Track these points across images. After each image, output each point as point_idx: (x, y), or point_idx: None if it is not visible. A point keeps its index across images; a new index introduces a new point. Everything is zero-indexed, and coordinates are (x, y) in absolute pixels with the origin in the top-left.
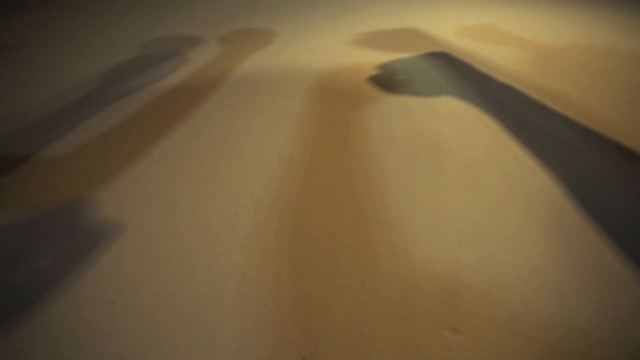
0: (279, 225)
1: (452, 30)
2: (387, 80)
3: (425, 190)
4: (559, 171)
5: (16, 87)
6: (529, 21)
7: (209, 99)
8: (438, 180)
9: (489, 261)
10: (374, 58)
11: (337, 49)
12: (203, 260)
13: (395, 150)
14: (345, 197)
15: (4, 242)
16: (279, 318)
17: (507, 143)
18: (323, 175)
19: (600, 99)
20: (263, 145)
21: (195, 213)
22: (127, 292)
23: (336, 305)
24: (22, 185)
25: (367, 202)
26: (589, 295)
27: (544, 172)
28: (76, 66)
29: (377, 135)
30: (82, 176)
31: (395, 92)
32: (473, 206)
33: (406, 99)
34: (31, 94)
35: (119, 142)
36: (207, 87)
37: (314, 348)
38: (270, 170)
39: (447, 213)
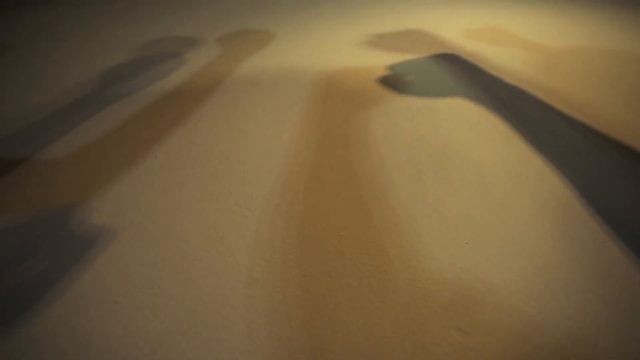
0: (284, 225)
1: (458, 32)
2: (395, 82)
3: (431, 191)
4: (565, 172)
5: (15, 87)
6: (533, 23)
7: (212, 99)
8: (444, 181)
9: (496, 262)
10: (380, 59)
11: (341, 49)
12: (208, 262)
13: (401, 151)
14: (351, 198)
15: (5, 244)
16: (285, 319)
17: (514, 144)
18: (328, 176)
19: (606, 100)
20: (267, 146)
21: (200, 214)
22: (132, 293)
23: (343, 307)
24: (23, 187)
25: (373, 202)
26: (596, 295)
27: (550, 173)
28: (76, 66)
29: (382, 136)
30: (85, 177)
31: (402, 93)
32: (479, 207)
33: (414, 100)
34: (30, 95)
35: (121, 142)
36: (209, 87)
37: (321, 349)
38: (275, 170)
39: (453, 214)
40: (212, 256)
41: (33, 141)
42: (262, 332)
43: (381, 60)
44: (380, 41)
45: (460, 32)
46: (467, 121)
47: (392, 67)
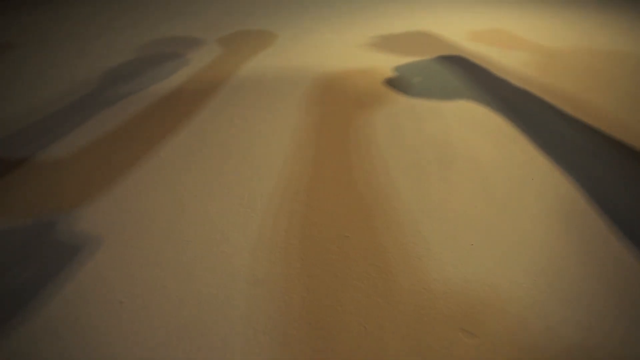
0: (288, 226)
1: (461, 34)
2: (399, 83)
3: (435, 191)
4: (569, 172)
5: (16, 87)
6: (534, 24)
7: (215, 99)
8: (448, 182)
9: (502, 263)
10: (384, 60)
11: (345, 50)
12: (213, 262)
13: (406, 151)
14: (355, 198)
15: (6, 244)
16: (291, 320)
17: (518, 144)
18: (331, 176)
19: (605, 100)
20: (271, 146)
21: (204, 214)
22: (136, 293)
23: (349, 308)
24: (25, 187)
25: (377, 203)
26: (602, 297)
27: (555, 174)
28: (78, 66)
29: (386, 137)
30: (87, 177)
31: (407, 94)
32: (484, 208)
33: (419, 100)
34: (32, 95)
35: (124, 142)
36: (212, 87)
37: (327, 351)
38: (279, 170)
39: (457, 215)
40: (217, 257)
41: (35, 141)
42: (267, 333)
43: (385, 62)
44: (384, 42)
45: (463, 33)
46: (471, 122)
47: (396, 69)
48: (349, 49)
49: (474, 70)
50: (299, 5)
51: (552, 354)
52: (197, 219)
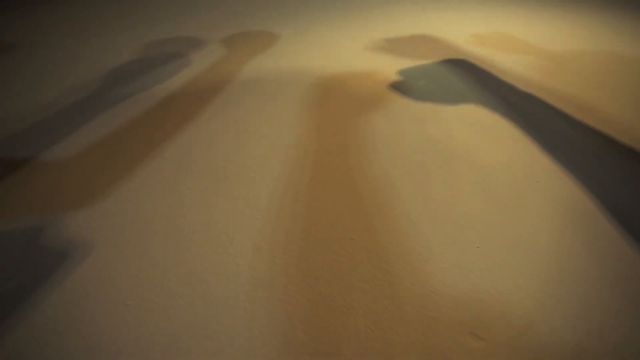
0: (294, 228)
1: (464, 37)
2: (403, 85)
3: (441, 194)
4: (574, 174)
5: (17, 87)
6: (536, 27)
7: (217, 100)
8: (453, 184)
9: (507, 266)
10: (387, 63)
11: (348, 52)
12: (219, 264)
13: (410, 153)
14: (360, 200)
15: (10, 246)
16: (299, 323)
17: (522, 147)
18: (335, 178)
19: (611, 102)
20: (274, 147)
21: (210, 215)
22: (142, 295)
23: (357, 310)
24: (27, 188)
25: (383, 205)
26: (606, 298)
27: (559, 176)
28: (79, 67)
29: (390, 139)
30: (90, 178)
31: (411, 96)
32: (489, 210)
33: (422, 103)
34: (33, 95)
35: (127, 143)
36: (214, 88)
37: (335, 354)
38: (282, 172)
39: (462, 217)
40: (223, 258)
41: (36, 142)
42: (275, 336)
43: (388, 64)
44: (387, 44)
45: (466, 36)
46: (475, 124)
47: (400, 72)
48: (352, 51)
49: (478, 74)
50: (300, 6)
51: (559, 358)
52: (201, 220)
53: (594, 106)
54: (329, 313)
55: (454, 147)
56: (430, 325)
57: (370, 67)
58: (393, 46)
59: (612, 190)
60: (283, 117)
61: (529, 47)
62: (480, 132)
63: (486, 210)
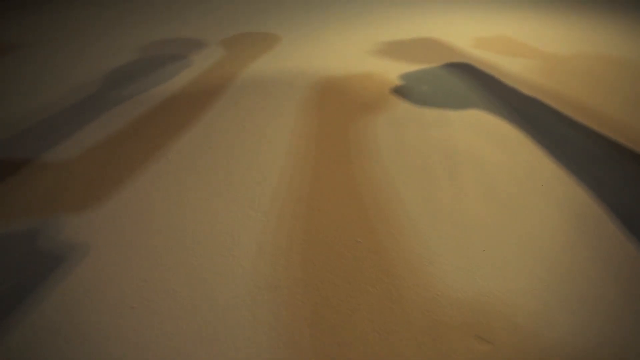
0: (299, 230)
1: (466, 40)
2: (407, 90)
3: (446, 197)
4: (578, 177)
5: (17, 88)
6: (539, 30)
7: (219, 101)
8: (458, 188)
9: (513, 269)
10: (390, 66)
11: (351, 55)
12: (224, 266)
13: (414, 156)
14: (365, 203)
15: (11, 247)
16: (306, 326)
17: (526, 150)
18: (340, 181)
19: (612, 105)
20: (278, 150)
21: (213, 217)
22: (148, 298)
23: (363, 314)
24: (30, 189)
25: (387, 208)
26: (612, 301)
27: (564, 179)
28: (79, 67)
29: (393, 141)
30: (95, 179)
31: (414, 100)
32: (493, 213)
33: (426, 107)
34: (34, 95)
35: (130, 144)
36: (215, 89)
37: (342, 357)
38: (287, 174)
39: (468, 220)
40: (228, 261)
41: (37, 142)
42: (281, 339)
43: (390, 67)
44: (389, 47)
45: (468, 40)
46: (478, 128)
47: (403, 76)
48: (353, 53)
49: (480, 77)
50: (302, 8)
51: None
52: (205, 222)
53: (595, 108)
54: (334, 316)
55: (457, 149)
56: (435, 329)
57: (372, 70)
58: (394, 49)
59: (614, 192)
60: (285, 118)
61: (530, 50)
62: (483, 135)
63: (490, 213)
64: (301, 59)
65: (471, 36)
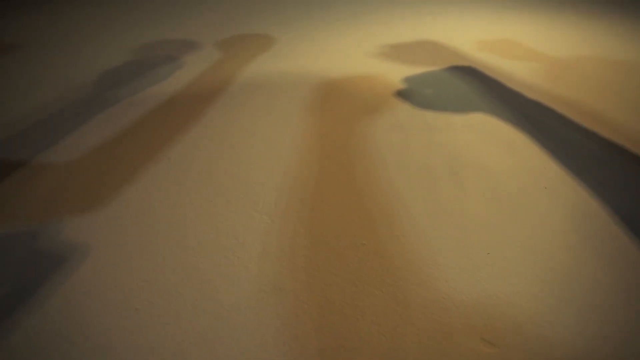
0: (304, 233)
1: (469, 43)
2: (410, 93)
3: (449, 199)
4: (581, 180)
5: (16, 89)
6: (543, 33)
7: (219, 102)
8: (461, 190)
9: (518, 272)
10: (392, 68)
11: (352, 57)
12: (229, 268)
13: (417, 159)
14: (369, 206)
15: (12, 248)
16: (310, 329)
17: (530, 153)
18: (344, 184)
19: (617, 109)
20: (280, 151)
21: (218, 219)
22: (152, 300)
23: (369, 317)
24: (32, 190)
25: (390, 210)
26: (617, 304)
27: (568, 182)
28: (78, 68)
29: (397, 144)
30: (95, 180)
31: (418, 103)
32: (497, 216)
33: (430, 110)
34: (33, 96)
35: (132, 145)
36: (215, 90)
37: (348, 358)
38: (289, 176)
39: (472, 223)
40: (233, 263)
41: (38, 143)
42: (287, 342)
43: (393, 70)
44: (391, 50)
45: (472, 42)
46: (483, 130)
47: (406, 79)
48: (356, 55)
49: (484, 81)
50: (302, 9)
51: None
52: (210, 224)
53: (599, 112)
54: (340, 319)
55: (461, 152)
56: (441, 331)
57: (375, 72)
58: (397, 51)
59: (618, 195)
60: (287, 119)
61: (533, 53)
62: (487, 138)
63: (494, 215)
64: (303, 59)
65: (475, 39)
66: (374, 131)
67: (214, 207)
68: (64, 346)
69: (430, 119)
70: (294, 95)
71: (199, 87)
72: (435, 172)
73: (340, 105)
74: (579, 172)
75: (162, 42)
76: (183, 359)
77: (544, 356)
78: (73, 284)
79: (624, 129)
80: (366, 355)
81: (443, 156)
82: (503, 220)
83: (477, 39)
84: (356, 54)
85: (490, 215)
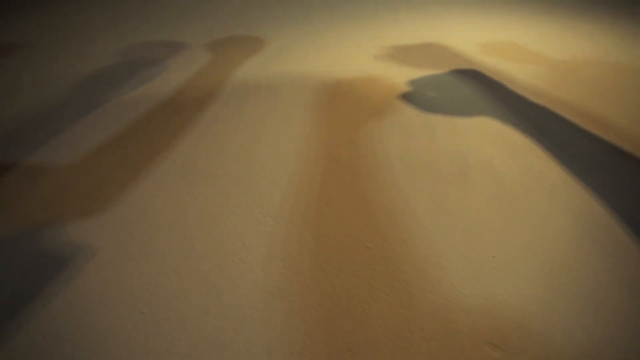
0: (309, 236)
1: (473, 46)
2: (414, 95)
3: (454, 202)
4: (585, 184)
5: (14, 89)
6: (546, 36)
7: (224, 103)
8: (466, 193)
9: (523, 276)
10: (396, 71)
11: (356, 59)
12: (235, 272)
13: (423, 162)
14: (374, 209)
15: (17, 252)
16: (318, 332)
17: (535, 157)
18: (348, 186)
19: (620, 113)
20: (285, 154)
21: (224, 222)
22: (157, 303)
23: (376, 320)
24: (37, 192)
25: (397, 214)
26: (623, 309)
27: (572, 186)
28: (80, 68)
29: (401, 147)
30: (98, 183)
31: (422, 106)
32: (502, 219)
33: (434, 113)
34: (32, 96)
35: (135, 146)
36: (217, 92)
37: None
38: (294, 179)
39: (478, 227)
40: (239, 266)
41: (38, 145)
42: (294, 345)
43: (397, 73)
44: (396, 52)
45: (475, 45)
46: (487, 134)
47: (410, 82)
48: (359, 57)
49: (488, 84)
50: (304, 11)
51: None
52: (215, 226)
53: (602, 115)
54: (346, 322)
55: (466, 156)
56: (448, 335)
57: (379, 75)
58: (401, 54)
59: (623, 199)
60: (291, 121)
61: (537, 57)
62: (492, 142)
63: (499, 218)
64: (306, 61)
65: (478, 42)
66: (378, 133)
67: (219, 210)
68: (67, 349)
69: (435, 121)
70: (297, 97)
71: (202, 89)
72: (440, 174)
73: (344, 107)
74: (582, 174)
75: (164, 44)
76: None
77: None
78: (76, 287)
79: (626, 132)
80: (375, 358)
81: (448, 159)
82: (508, 224)
83: (480, 41)
84: (360, 56)
85: (496, 218)
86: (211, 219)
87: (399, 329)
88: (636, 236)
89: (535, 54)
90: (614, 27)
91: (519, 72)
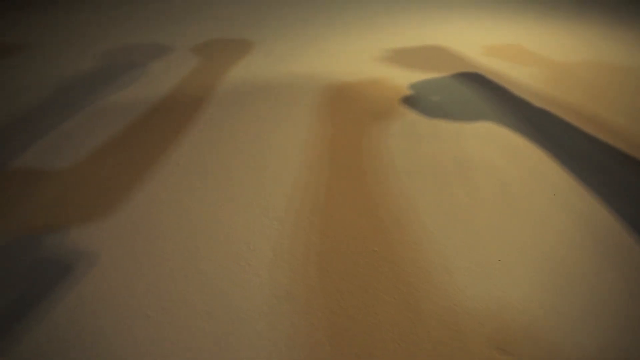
0: (315, 240)
1: (475, 48)
2: (418, 99)
3: (459, 206)
4: (589, 187)
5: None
6: (547, 39)
7: (227, 105)
8: (471, 197)
9: (529, 280)
10: (398, 74)
11: (357, 62)
12: (241, 275)
13: (427, 166)
14: (378, 212)
15: (21, 257)
16: (324, 336)
17: (538, 160)
18: (352, 189)
19: (621, 115)
20: (289, 156)
21: (230, 226)
22: (163, 306)
23: (382, 324)
24: (39, 197)
25: (402, 218)
26: (629, 314)
27: (576, 190)
28: (80, 70)
29: (405, 150)
30: (100, 186)
31: (424, 109)
32: (508, 224)
33: (437, 117)
34: (30, 96)
35: (137, 148)
36: (224, 93)
37: None
38: (299, 182)
39: (483, 230)
40: (245, 270)
41: (40, 147)
42: (300, 349)
43: (400, 76)
44: (398, 55)
45: (477, 48)
46: (491, 138)
47: (413, 85)
48: (362, 60)
49: (490, 87)
50: (304, 12)
51: None
52: (220, 230)
53: (601, 116)
54: (353, 325)
55: (470, 159)
56: (455, 339)
57: (381, 78)
58: (403, 57)
59: (627, 202)
60: (296, 123)
61: (539, 59)
62: (495, 145)
63: (504, 221)
64: (309, 64)
65: (480, 44)
66: (383, 136)
67: (224, 213)
68: (73, 354)
69: (438, 125)
70: (302, 99)
71: (206, 91)
72: (444, 177)
73: (348, 110)
74: (587, 178)
75: (166, 46)
76: None
77: None
78: (81, 291)
79: (625, 133)
80: None
81: (452, 163)
82: (513, 227)
83: (482, 44)
84: (363, 59)
85: (501, 221)
86: (216, 222)
87: (405, 333)
88: (637, 236)
89: (536, 56)
90: (613, 29)
91: (521, 74)
